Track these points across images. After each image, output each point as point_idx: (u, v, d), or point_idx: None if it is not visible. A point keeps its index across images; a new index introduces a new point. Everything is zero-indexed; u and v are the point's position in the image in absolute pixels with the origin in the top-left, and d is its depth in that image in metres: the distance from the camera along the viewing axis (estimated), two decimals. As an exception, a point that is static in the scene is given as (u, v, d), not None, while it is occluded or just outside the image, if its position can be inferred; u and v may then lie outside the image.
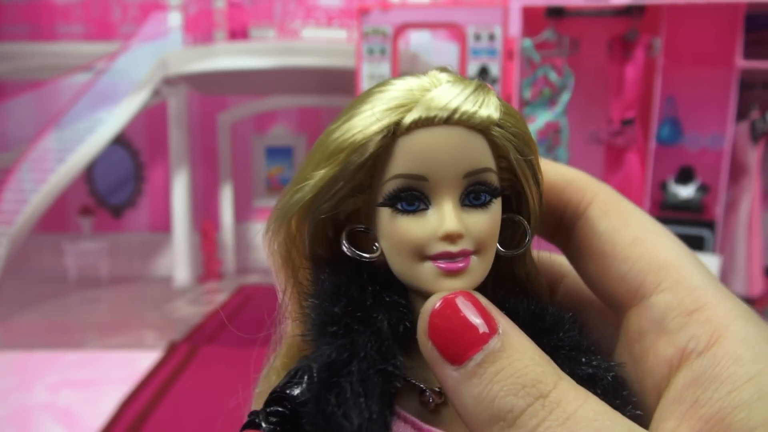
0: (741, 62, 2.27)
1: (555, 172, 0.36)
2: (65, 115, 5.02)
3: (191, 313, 4.50)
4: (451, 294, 0.29)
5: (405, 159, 0.32)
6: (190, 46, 4.83)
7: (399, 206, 0.32)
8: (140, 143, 6.09)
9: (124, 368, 3.28)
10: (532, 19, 2.42)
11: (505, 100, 0.33)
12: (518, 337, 0.28)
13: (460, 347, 0.27)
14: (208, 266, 5.62)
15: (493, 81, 2.35)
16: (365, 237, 0.35)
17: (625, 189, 2.49)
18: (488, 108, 0.32)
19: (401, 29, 2.47)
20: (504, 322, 0.28)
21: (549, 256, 0.39)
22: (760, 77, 2.41)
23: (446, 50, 4.89)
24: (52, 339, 3.89)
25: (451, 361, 0.27)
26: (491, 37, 2.37)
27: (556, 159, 2.50)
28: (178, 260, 5.41)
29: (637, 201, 2.47)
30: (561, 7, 2.38)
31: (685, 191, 2.47)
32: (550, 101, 2.45)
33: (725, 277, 2.43)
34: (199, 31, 4.85)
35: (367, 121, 0.32)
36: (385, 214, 0.33)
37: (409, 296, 0.34)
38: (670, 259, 0.31)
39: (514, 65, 2.33)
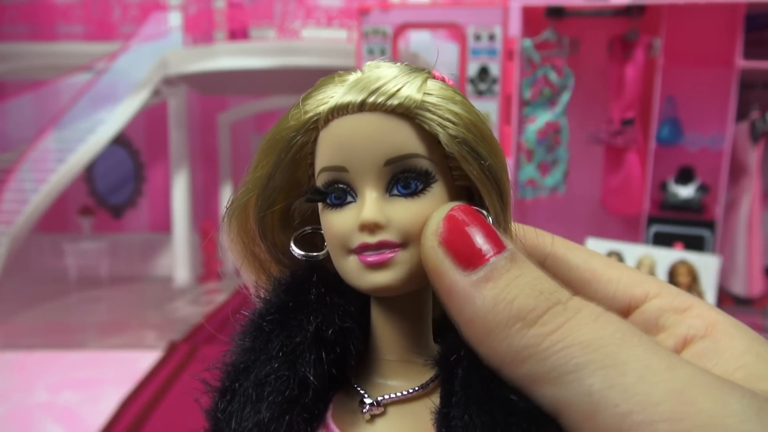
0: (741, 62, 2.26)
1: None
2: (65, 115, 5.01)
3: (191, 313, 4.50)
4: (457, 208, 0.29)
5: (327, 151, 0.31)
6: (190, 46, 4.83)
7: (328, 200, 0.31)
8: (140, 143, 6.09)
9: (124, 368, 3.28)
10: (532, 19, 2.42)
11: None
12: (525, 256, 0.28)
13: (474, 253, 0.27)
14: (208, 266, 5.62)
15: (493, 81, 2.35)
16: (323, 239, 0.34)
17: (625, 189, 2.48)
18: (408, 91, 0.29)
19: (401, 29, 2.47)
20: (510, 244, 0.28)
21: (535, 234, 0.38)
22: (760, 77, 2.41)
23: (446, 50, 4.89)
24: (52, 339, 3.89)
25: (463, 266, 0.27)
26: (491, 37, 2.37)
27: (556, 159, 2.50)
28: (178, 260, 5.41)
29: (637, 201, 2.47)
30: (561, 7, 2.38)
31: (685, 191, 2.47)
32: (550, 101, 2.45)
33: (725, 277, 2.42)
34: (199, 31, 4.85)
35: (294, 115, 0.31)
36: (320, 209, 0.32)
37: (371, 298, 0.33)
38: (644, 277, 0.35)
39: (514, 65, 2.33)
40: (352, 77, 0.31)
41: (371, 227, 0.30)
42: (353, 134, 0.30)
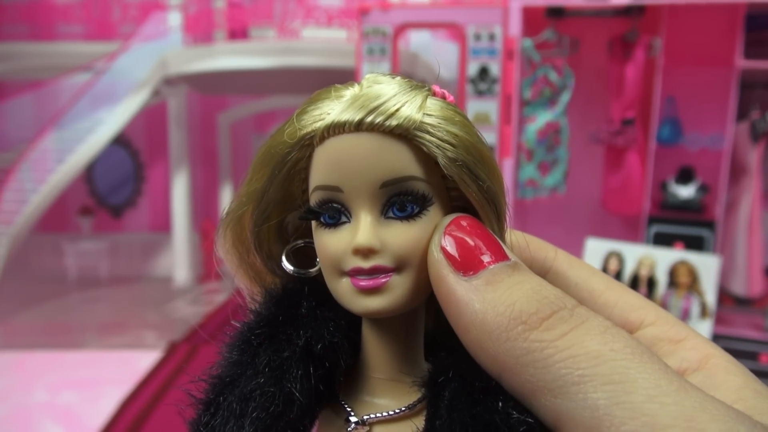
0: (741, 62, 2.26)
1: (514, 236, 0.35)
2: (65, 115, 5.02)
3: (191, 313, 4.50)
4: (461, 218, 0.29)
5: (321, 169, 0.30)
6: (190, 46, 4.83)
7: (322, 219, 0.30)
8: (140, 143, 6.09)
9: (124, 368, 3.28)
10: (532, 19, 2.42)
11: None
12: (528, 269, 0.27)
13: (475, 259, 0.27)
14: (208, 266, 5.62)
15: (493, 81, 2.35)
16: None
17: (625, 189, 2.48)
18: (407, 111, 0.28)
19: (401, 29, 2.47)
20: (513, 256, 0.28)
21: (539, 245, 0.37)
22: (760, 77, 2.41)
23: (446, 50, 4.89)
24: (52, 339, 3.89)
25: (463, 270, 0.26)
26: (491, 37, 2.37)
27: (556, 159, 2.50)
28: (178, 260, 5.41)
29: (637, 201, 2.47)
30: (561, 7, 2.38)
31: (685, 191, 2.47)
32: (550, 101, 2.45)
33: (725, 277, 2.42)
34: (199, 31, 4.85)
35: (289, 131, 0.30)
36: (314, 227, 0.31)
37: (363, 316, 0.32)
38: (642, 302, 0.34)
39: (514, 65, 2.33)
40: (350, 93, 0.30)
41: (365, 252, 0.29)
42: (349, 154, 0.29)
